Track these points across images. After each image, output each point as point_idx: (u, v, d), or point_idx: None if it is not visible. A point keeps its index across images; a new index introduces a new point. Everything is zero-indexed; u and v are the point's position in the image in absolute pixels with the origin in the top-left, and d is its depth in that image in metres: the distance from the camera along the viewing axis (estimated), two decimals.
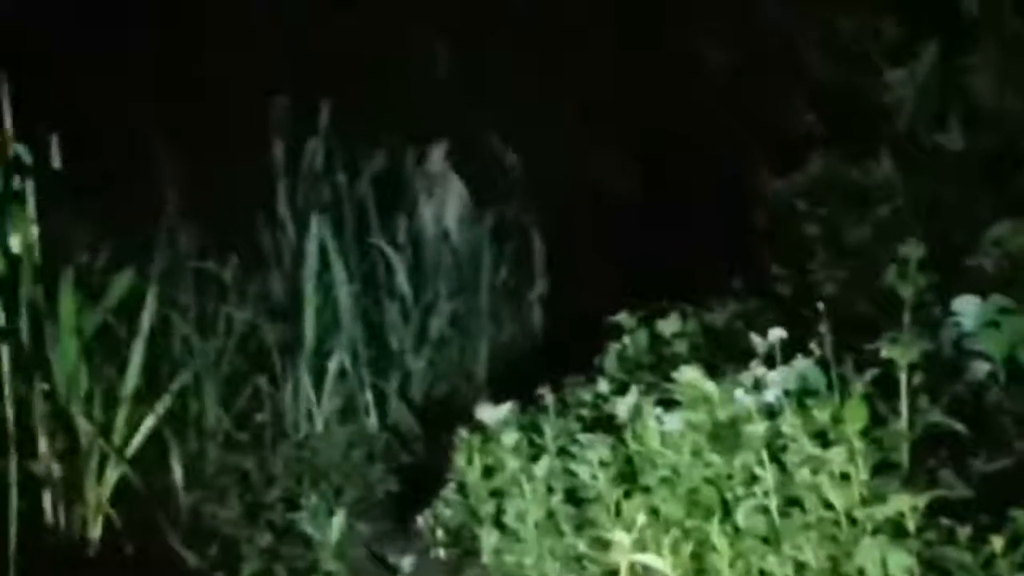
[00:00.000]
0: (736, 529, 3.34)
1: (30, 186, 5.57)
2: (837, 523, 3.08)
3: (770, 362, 3.54)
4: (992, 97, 5.11)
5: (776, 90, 6.07)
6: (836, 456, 3.08)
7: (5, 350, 5.37)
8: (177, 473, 5.88)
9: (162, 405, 5.78)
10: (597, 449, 3.90)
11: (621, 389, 4.22)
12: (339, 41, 7.55)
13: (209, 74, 7.34)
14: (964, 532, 2.84)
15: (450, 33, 7.75)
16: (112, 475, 5.56)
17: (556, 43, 7.34)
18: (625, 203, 7.03)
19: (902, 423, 3.18)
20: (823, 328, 3.37)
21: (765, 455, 3.27)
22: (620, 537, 3.29)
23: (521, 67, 7.39)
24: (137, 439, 5.67)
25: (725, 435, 3.51)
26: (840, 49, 5.80)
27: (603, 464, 3.87)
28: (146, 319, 5.74)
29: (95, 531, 5.50)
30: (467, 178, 7.45)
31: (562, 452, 4.23)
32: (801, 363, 3.48)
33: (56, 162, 5.75)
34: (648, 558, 3.41)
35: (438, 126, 7.50)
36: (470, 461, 4.74)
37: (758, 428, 3.30)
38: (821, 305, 3.40)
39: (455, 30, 7.73)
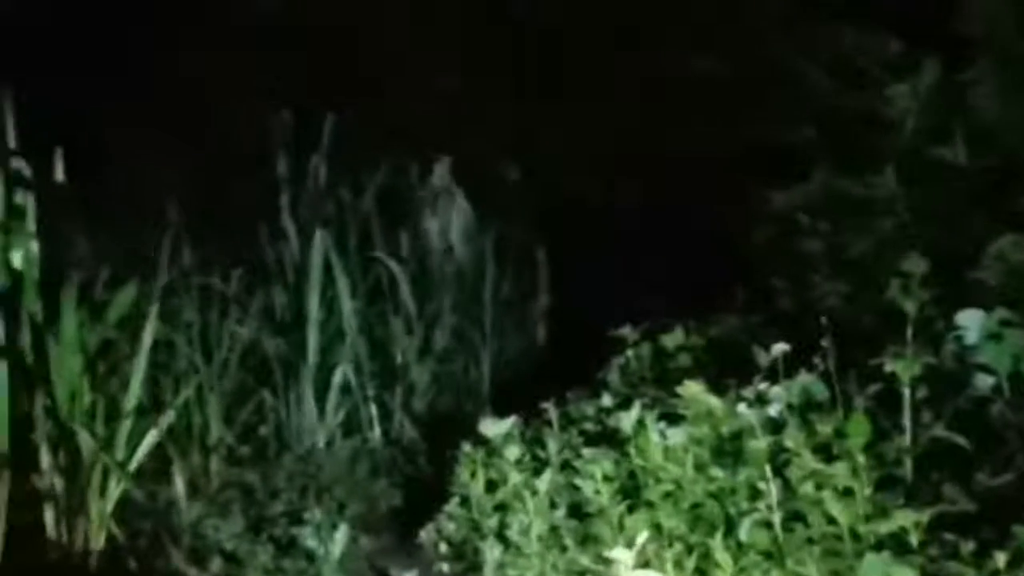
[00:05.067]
0: (739, 544, 3.33)
1: (31, 200, 5.56)
2: (840, 538, 3.07)
3: (773, 376, 3.54)
4: (994, 112, 5.11)
5: (779, 105, 6.07)
6: (839, 471, 3.08)
7: (7, 365, 5.36)
8: (180, 488, 5.87)
9: (165, 420, 5.78)
10: (600, 463, 3.90)
11: (624, 403, 4.21)
12: (344, 56, 7.56)
13: (214, 88, 7.36)
14: (967, 547, 2.84)
15: (456, 50, 7.76)
16: (115, 490, 5.55)
17: (560, 61, 7.34)
18: (629, 217, 7.03)
19: (905, 438, 3.18)
20: (826, 342, 3.37)
21: (768, 470, 3.26)
22: (621, 554, 3.28)
23: (525, 85, 7.40)
24: (140, 454, 5.66)
25: (728, 449, 3.52)
26: (843, 64, 5.80)
27: (606, 479, 3.86)
28: (148, 334, 5.73)
29: (98, 546, 5.49)
30: (471, 193, 7.45)
31: (565, 466, 4.23)
32: (804, 377, 3.48)
33: (59, 175, 5.75)
34: (651, 574, 3.40)
35: (443, 141, 7.51)
36: (473, 475, 4.74)
37: (761, 443, 3.29)
38: (824, 319, 3.40)
39: (461, 47, 7.74)
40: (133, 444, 5.65)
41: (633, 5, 7.22)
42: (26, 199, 5.55)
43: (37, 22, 7.23)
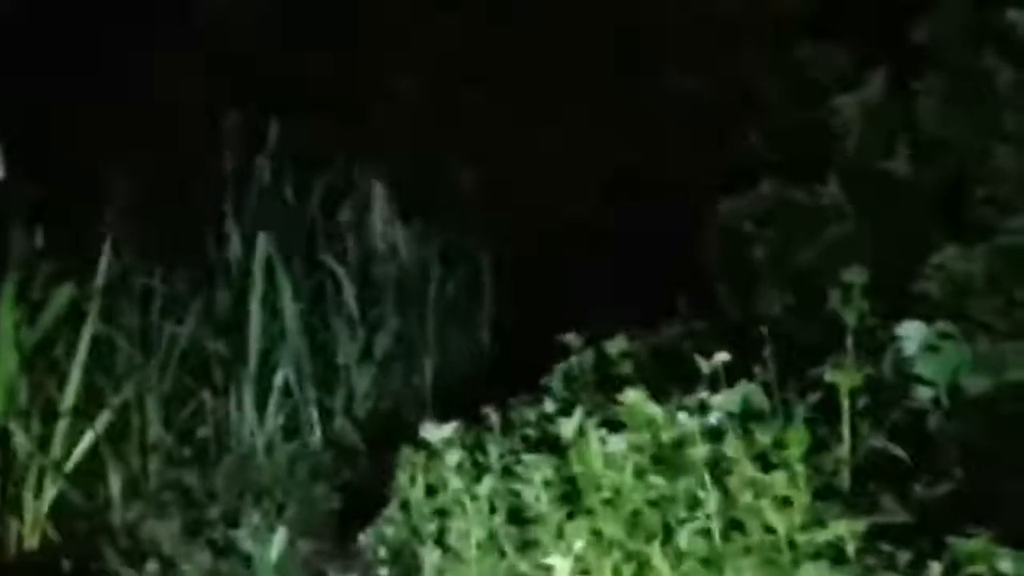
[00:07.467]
0: (678, 552, 3.33)
1: None
2: (778, 547, 3.08)
3: (715, 385, 3.55)
4: (940, 124, 5.14)
5: (725, 114, 6.09)
6: (778, 480, 3.09)
7: None
8: (116, 489, 5.80)
9: (102, 420, 5.71)
10: (541, 469, 3.89)
11: (566, 409, 4.20)
12: (293, 58, 7.51)
13: (159, 86, 7.30)
14: (904, 557, 2.85)
15: (408, 57, 7.72)
16: (50, 490, 5.49)
17: (506, 68, 7.32)
18: (574, 223, 7.02)
19: (844, 448, 3.19)
20: (767, 351, 3.38)
21: (708, 478, 3.27)
22: (559, 561, 3.27)
23: (474, 93, 7.38)
24: (76, 454, 5.60)
25: (669, 457, 3.51)
26: (790, 74, 5.82)
27: (547, 485, 3.85)
28: (86, 333, 5.67)
29: (32, 547, 5.43)
30: (419, 197, 7.43)
31: (506, 472, 4.21)
32: (745, 386, 3.49)
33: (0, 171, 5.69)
34: None
35: (392, 145, 7.48)
36: (413, 480, 4.70)
37: (701, 451, 3.30)
38: (765, 328, 3.40)
39: (414, 53, 7.70)
40: (70, 444, 5.59)
41: (594, 21, 7.20)
42: None
43: None
